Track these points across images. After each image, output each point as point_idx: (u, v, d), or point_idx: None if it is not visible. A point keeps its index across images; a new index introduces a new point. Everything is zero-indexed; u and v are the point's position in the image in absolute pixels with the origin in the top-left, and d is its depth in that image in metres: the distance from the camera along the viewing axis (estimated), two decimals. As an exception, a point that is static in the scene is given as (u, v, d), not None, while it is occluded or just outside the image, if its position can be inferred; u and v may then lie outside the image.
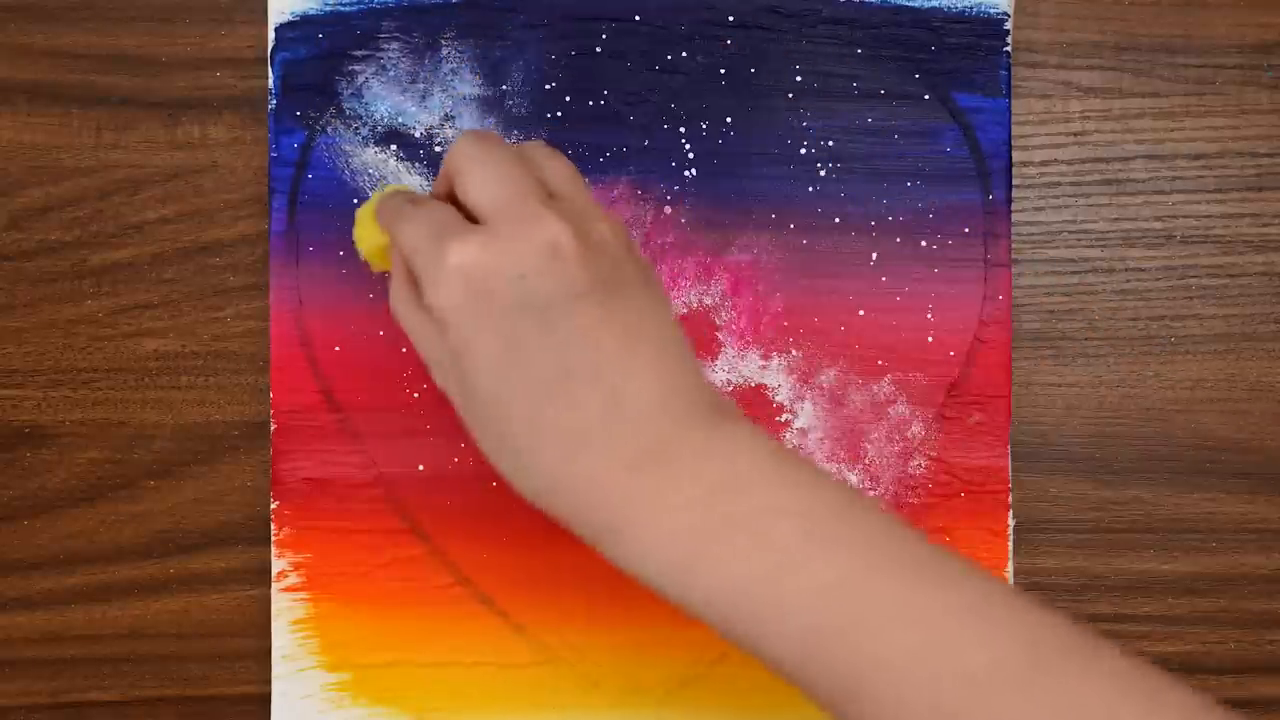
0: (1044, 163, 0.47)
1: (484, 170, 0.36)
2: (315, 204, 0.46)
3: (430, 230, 0.36)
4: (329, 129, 0.46)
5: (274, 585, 0.45)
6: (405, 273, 0.38)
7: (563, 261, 0.35)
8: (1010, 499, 0.46)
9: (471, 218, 0.36)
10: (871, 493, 0.46)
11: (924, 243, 0.46)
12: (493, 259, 0.35)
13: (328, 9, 0.46)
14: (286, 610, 0.45)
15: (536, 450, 0.35)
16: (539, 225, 0.35)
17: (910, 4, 0.46)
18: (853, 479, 0.46)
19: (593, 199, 0.38)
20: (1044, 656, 0.32)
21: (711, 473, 0.34)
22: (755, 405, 0.46)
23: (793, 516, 0.34)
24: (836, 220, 0.46)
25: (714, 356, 0.46)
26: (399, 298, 0.38)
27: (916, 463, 0.46)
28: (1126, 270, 0.47)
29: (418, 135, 0.46)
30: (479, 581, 0.46)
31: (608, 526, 0.35)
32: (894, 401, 0.46)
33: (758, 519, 0.34)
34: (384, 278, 0.45)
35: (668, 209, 0.46)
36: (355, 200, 0.46)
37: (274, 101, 0.46)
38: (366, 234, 0.40)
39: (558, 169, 0.38)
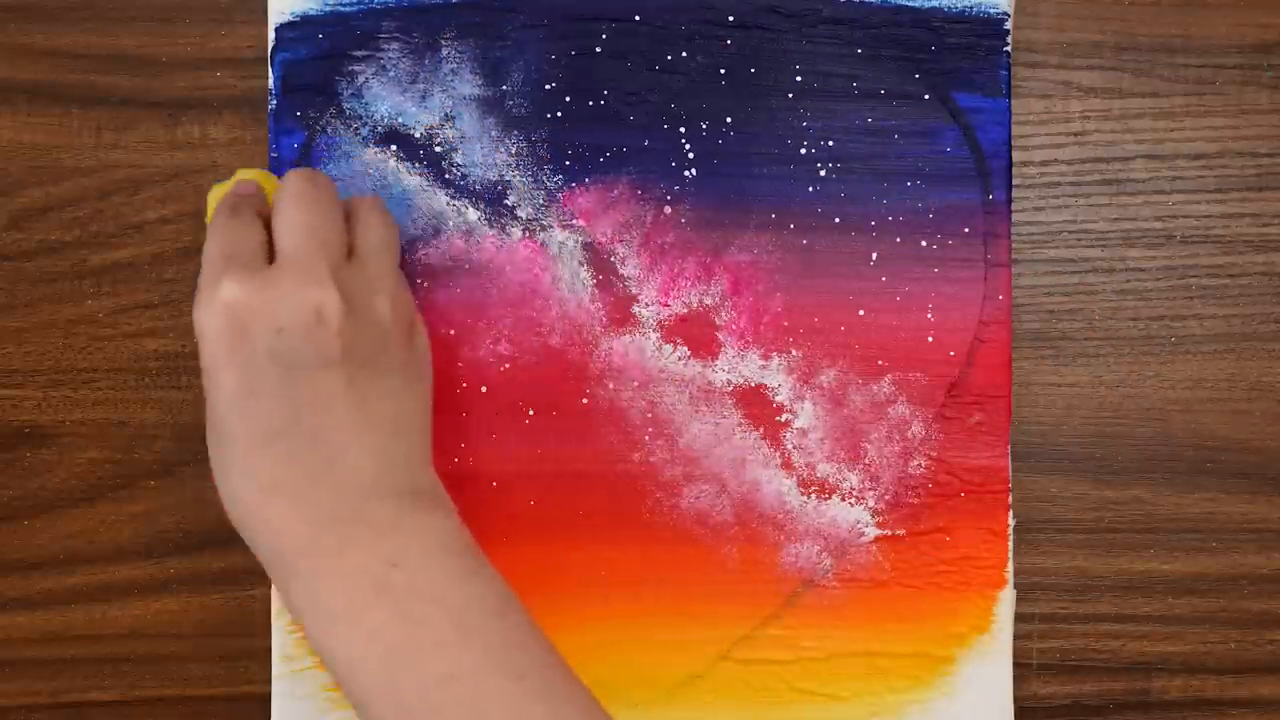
0: (1044, 163, 0.47)
1: (295, 213, 0.38)
2: (315, 204, 0.46)
3: (225, 251, 0.38)
4: (329, 129, 0.46)
5: (274, 585, 0.45)
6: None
7: (323, 330, 0.37)
8: (1010, 499, 0.46)
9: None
10: (871, 493, 0.46)
11: (924, 243, 0.46)
12: (258, 306, 0.37)
13: (328, 9, 0.46)
14: (286, 610, 0.45)
15: (243, 483, 0.37)
16: (313, 288, 0.37)
17: (910, 4, 0.46)
18: (853, 479, 0.46)
19: (394, 269, 0.40)
20: None
21: (386, 548, 0.37)
22: (755, 405, 0.46)
23: (442, 604, 0.37)
24: (836, 220, 0.46)
25: (714, 356, 0.46)
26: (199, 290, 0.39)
27: (916, 463, 0.46)
28: (1126, 270, 0.47)
29: (418, 135, 0.46)
30: (479, 581, 0.46)
31: (286, 569, 0.37)
32: (894, 401, 0.46)
33: (409, 600, 0.37)
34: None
35: (668, 209, 0.46)
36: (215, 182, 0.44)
37: (274, 101, 0.46)
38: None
39: (374, 233, 0.40)
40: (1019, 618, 0.46)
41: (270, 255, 0.39)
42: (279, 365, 0.37)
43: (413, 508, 0.38)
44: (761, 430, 0.46)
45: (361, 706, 0.37)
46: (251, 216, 0.40)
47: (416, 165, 0.46)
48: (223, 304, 0.37)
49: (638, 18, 0.46)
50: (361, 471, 0.38)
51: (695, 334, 0.46)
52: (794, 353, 0.46)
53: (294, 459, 0.37)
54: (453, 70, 0.46)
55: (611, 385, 0.46)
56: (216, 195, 0.42)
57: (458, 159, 0.46)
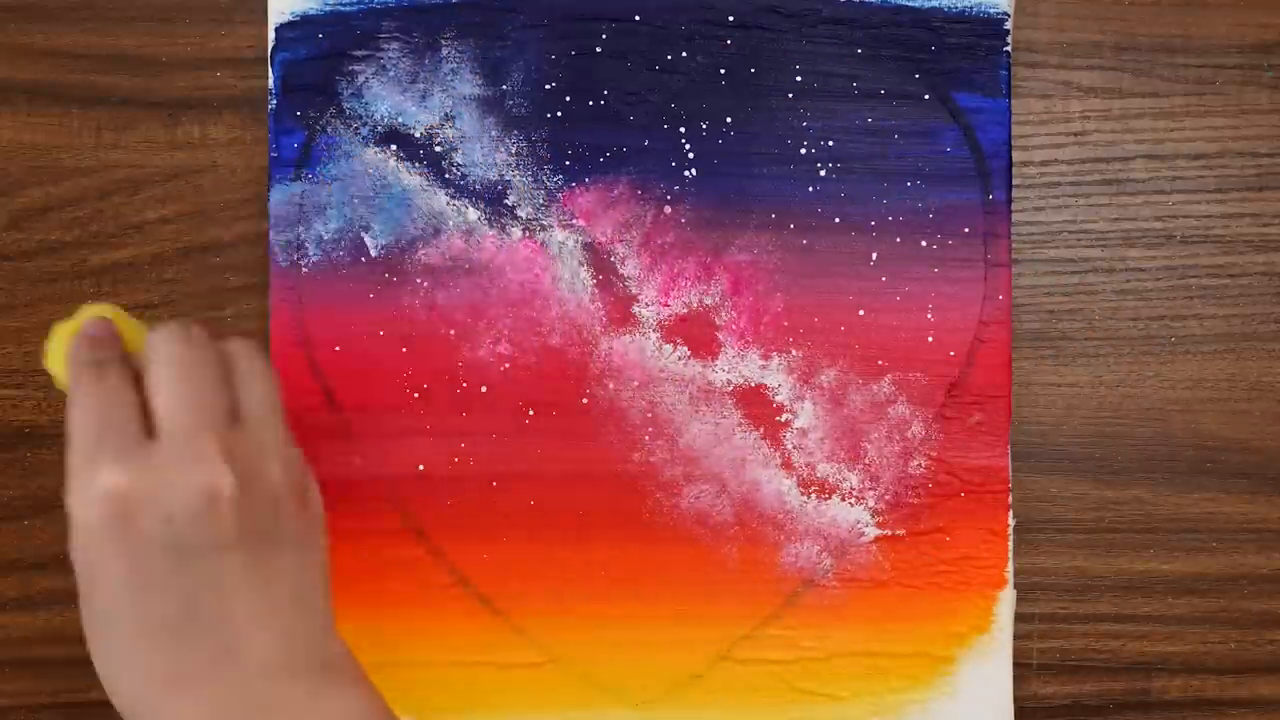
0: (1044, 163, 0.47)
1: (173, 381, 0.36)
2: (315, 204, 0.46)
3: (97, 428, 0.35)
4: (329, 129, 0.46)
5: None
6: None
7: (216, 512, 0.34)
8: (1010, 499, 0.46)
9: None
10: (871, 493, 0.46)
11: (924, 243, 0.46)
12: (144, 493, 0.34)
13: (328, 9, 0.46)
14: None
15: (135, 677, 0.35)
16: (203, 468, 0.34)
17: (910, 4, 0.46)
18: (853, 479, 0.46)
19: (281, 426, 0.37)
20: None
21: None
22: (755, 405, 0.46)
23: None
24: (836, 220, 0.46)
25: (714, 356, 0.46)
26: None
27: (916, 463, 0.46)
28: (1126, 270, 0.47)
29: (418, 135, 0.46)
30: (479, 581, 0.46)
31: None
32: (894, 401, 0.46)
33: None
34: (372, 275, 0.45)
35: (668, 209, 0.46)
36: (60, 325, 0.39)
37: (274, 101, 0.46)
38: (60, 367, 0.38)
39: (256, 387, 0.37)
40: (1019, 618, 0.46)
41: (145, 419, 0.36)
42: (168, 554, 0.34)
43: (324, 685, 0.36)
44: (761, 430, 0.46)
45: None
46: (119, 378, 0.36)
47: (416, 165, 0.46)
48: (103, 492, 0.34)
49: (638, 18, 0.46)
50: (267, 657, 0.35)
51: (695, 334, 0.46)
52: (794, 353, 0.46)
53: (193, 649, 0.34)
54: (453, 70, 0.46)
55: (611, 385, 0.46)
56: (61, 336, 0.38)
57: (458, 159, 0.46)
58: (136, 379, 0.37)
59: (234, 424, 0.36)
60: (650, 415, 0.46)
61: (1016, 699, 0.46)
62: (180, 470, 0.34)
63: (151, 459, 0.35)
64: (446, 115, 0.46)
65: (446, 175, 0.46)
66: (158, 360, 0.36)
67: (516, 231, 0.46)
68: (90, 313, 0.38)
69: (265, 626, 0.35)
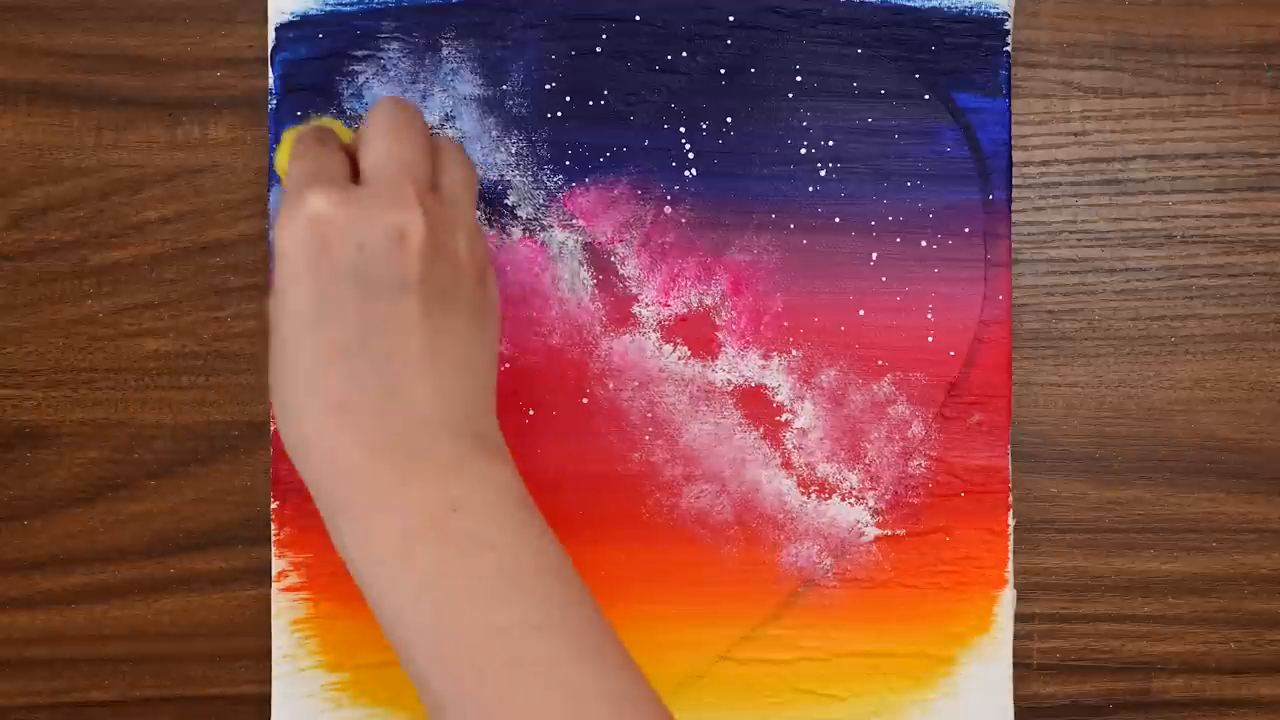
0: (1044, 163, 0.47)
1: (384, 139, 0.38)
2: (315, 204, 0.46)
3: (310, 171, 0.37)
4: (329, 129, 0.46)
5: (274, 585, 0.45)
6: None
7: (405, 251, 0.36)
8: (1010, 499, 0.46)
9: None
10: (871, 493, 0.46)
11: (924, 243, 0.46)
12: (342, 219, 0.36)
13: (328, 9, 0.46)
14: (286, 610, 0.45)
15: (306, 404, 0.36)
16: (398, 208, 0.36)
17: (910, 4, 0.46)
18: (853, 479, 0.46)
19: (474, 212, 0.39)
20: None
21: (448, 490, 0.36)
22: (755, 405, 0.46)
23: (499, 554, 0.36)
24: (836, 220, 0.46)
25: (714, 356, 0.46)
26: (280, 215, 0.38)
27: (916, 463, 0.46)
28: (1126, 270, 0.47)
29: (418, 135, 0.46)
30: (479, 581, 0.46)
31: (340, 503, 0.36)
32: (894, 401, 0.46)
33: (466, 547, 0.36)
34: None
35: (668, 209, 0.46)
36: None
37: (274, 101, 0.46)
38: (285, 160, 0.41)
39: (457, 172, 0.39)
40: (1019, 618, 0.46)
41: (355, 175, 0.38)
42: (355, 284, 0.36)
43: (474, 452, 0.37)
44: (761, 430, 0.46)
45: (404, 647, 0.36)
46: (337, 144, 0.39)
47: (416, 165, 0.46)
48: (308, 217, 0.36)
49: (638, 18, 0.46)
50: (426, 406, 0.36)
51: (695, 334, 0.46)
52: (794, 353, 0.46)
53: (359, 381, 0.36)
54: (453, 70, 0.46)
55: (611, 385, 0.46)
56: (290, 137, 0.42)
57: (458, 159, 0.46)
58: (351, 154, 0.39)
59: (433, 190, 0.38)
60: (650, 415, 0.46)
61: (1016, 699, 0.46)
62: (378, 206, 0.36)
63: (355, 195, 0.37)
64: (447, 115, 0.46)
65: (446, 175, 0.46)
66: (374, 122, 0.38)
67: (516, 231, 0.46)
68: (317, 121, 0.43)
69: (426, 378, 0.37)
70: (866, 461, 0.46)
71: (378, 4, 0.46)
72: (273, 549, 0.45)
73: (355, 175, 0.38)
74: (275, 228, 0.37)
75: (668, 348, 0.46)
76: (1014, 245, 0.47)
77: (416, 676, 0.36)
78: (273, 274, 0.37)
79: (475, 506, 0.36)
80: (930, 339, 0.46)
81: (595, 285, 0.46)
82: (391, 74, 0.46)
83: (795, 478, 0.46)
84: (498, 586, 0.35)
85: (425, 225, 0.36)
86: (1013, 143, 0.46)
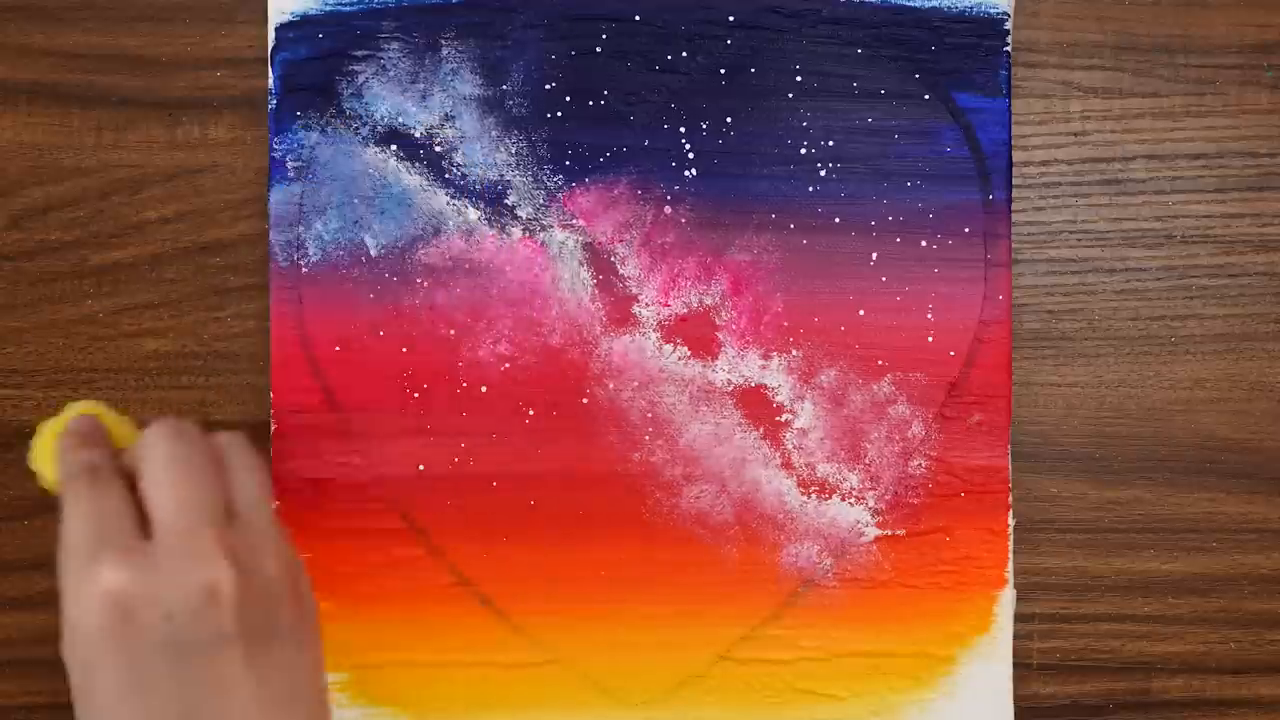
0: (1044, 163, 0.47)
1: (170, 480, 0.36)
2: (315, 204, 0.46)
3: (93, 531, 0.35)
4: (329, 129, 0.46)
5: None
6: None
7: (217, 608, 0.35)
8: (1010, 499, 0.46)
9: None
10: (871, 493, 0.46)
11: (924, 243, 0.46)
12: (144, 592, 0.34)
13: (328, 9, 0.46)
14: None
15: None
16: (203, 565, 0.35)
17: (910, 4, 0.46)
18: (853, 479, 0.46)
19: (274, 521, 0.38)
20: None
21: None
22: (755, 405, 0.46)
23: None
24: (836, 220, 0.46)
25: (714, 356, 0.46)
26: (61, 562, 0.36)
27: (916, 463, 0.46)
28: (1126, 270, 0.47)
29: (418, 135, 0.46)
30: (479, 581, 0.46)
31: None
32: (894, 401, 0.46)
33: None
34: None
35: (668, 209, 0.46)
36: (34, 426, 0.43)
37: (274, 101, 0.46)
38: (46, 465, 0.39)
39: (247, 483, 0.38)
40: (1019, 618, 0.46)
41: (140, 517, 0.36)
42: (168, 652, 0.34)
43: None
44: (761, 430, 0.46)
45: None
46: (112, 481, 0.36)
47: (417, 165, 0.46)
48: (103, 593, 0.34)
49: (638, 18, 0.46)
50: None
51: (695, 334, 0.46)
52: (794, 353, 0.46)
53: None
54: (453, 70, 0.46)
55: (611, 385, 0.46)
56: (48, 435, 0.39)
57: (458, 159, 0.46)
58: (127, 476, 0.37)
59: (229, 520, 0.36)
60: (650, 415, 0.46)
61: (1016, 699, 0.46)
62: (180, 568, 0.35)
63: (150, 558, 0.35)
64: (447, 115, 0.46)
65: (447, 175, 0.46)
66: (152, 459, 0.36)
67: (516, 231, 0.46)
68: (76, 410, 0.40)
69: (277, 710, 0.35)
70: (866, 461, 0.46)
71: (378, 4, 0.46)
72: (273, 549, 0.45)
73: (140, 514, 0.36)
74: (65, 597, 0.35)
75: (668, 348, 0.46)
76: (1014, 245, 0.47)
77: None
78: (68, 642, 0.35)
79: None
80: (930, 339, 0.46)
81: (595, 285, 0.46)
82: (391, 74, 0.46)
83: (795, 478, 0.46)
84: None
85: (234, 575, 0.35)
86: (1013, 143, 0.46)
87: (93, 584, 0.34)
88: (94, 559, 0.34)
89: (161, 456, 0.36)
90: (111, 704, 0.34)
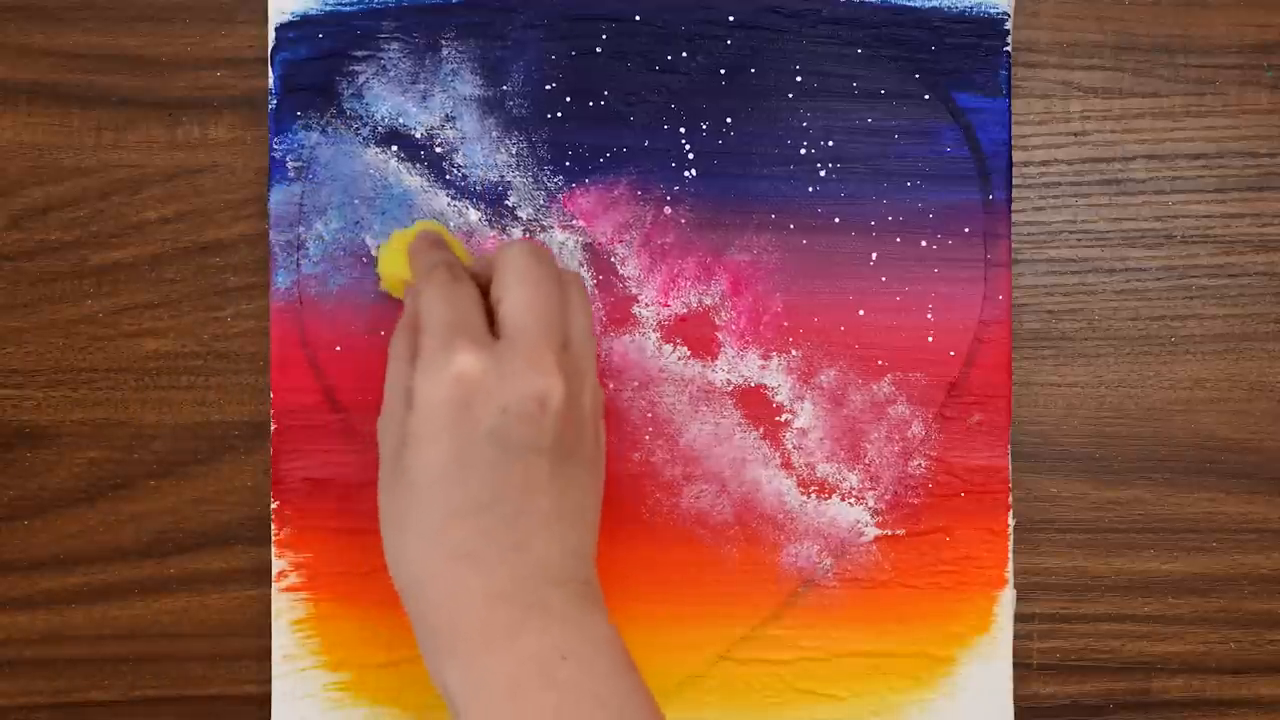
0: (1044, 163, 0.47)
1: (524, 292, 0.38)
2: (315, 204, 0.46)
3: (451, 321, 0.38)
4: (329, 129, 0.46)
5: (274, 585, 0.45)
6: (411, 329, 0.39)
7: (543, 417, 0.37)
8: (1010, 499, 0.46)
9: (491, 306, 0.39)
10: (871, 493, 0.46)
11: (924, 243, 0.46)
12: (487, 385, 0.37)
13: (328, 9, 0.46)
14: (286, 610, 0.45)
15: (429, 553, 0.37)
16: (541, 374, 0.37)
17: (910, 4, 0.46)
18: (853, 479, 0.46)
19: (595, 358, 0.40)
20: None
21: (559, 639, 0.36)
22: (755, 405, 0.46)
23: (608, 710, 0.36)
24: (836, 220, 0.46)
25: (714, 356, 0.46)
26: (400, 342, 0.39)
27: (916, 463, 0.46)
28: (1126, 270, 0.47)
29: (418, 135, 0.46)
30: (479, 581, 0.46)
31: (451, 644, 0.37)
32: (894, 401, 0.46)
33: (574, 696, 0.36)
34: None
35: (668, 209, 0.46)
36: (372, 239, 0.45)
37: (274, 101, 0.46)
38: (395, 267, 0.44)
39: (583, 321, 0.40)
40: (1019, 618, 0.46)
41: (489, 320, 0.39)
42: (493, 444, 0.37)
43: (584, 604, 0.38)
44: (761, 430, 0.46)
45: None
46: (468, 279, 0.39)
47: (417, 166, 0.46)
48: (454, 375, 0.37)
49: (638, 18, 0.46)
50: (547, 558, 0.37)
51: (695, 334, 0.46)
52: (794, 353, 0.46)
53: (489, 535, 0.37)
54: (453, 70, 0.46)
55: (611, 385, 0.46)
56: (398, 240, 0.44)
57: (458, 159, 0.46)
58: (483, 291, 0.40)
59: (565, 347, 0.39)
60: (650, 415, 0.46)
61: (1016, 699, 0.46)
62: (521, 372, 0.37)
63: (497, 356, 0.37)
64: (447, 116, 0.46)
65: (447, 176, 0.46)
66: (509, 269, 0.39)
67: (517, 232, 0.46)
68: (425, 226, 0.45)
69: (551, 532, 0.38)
70: (866, 461, 0.46)
71: (378, 4, 0.46)
72: (273, 549, 0.45)
73: (490, 318, 0.39)
74: (417, 372, 0.37)
75: (668, 348, 0.46)
76: (1014, 245, 0.47)
77: None
78: (386, 392, 0.38)
79: (585, 658, 0.37)
80: (930, 339, 0.46)
81: (595, 285, 0.46)
82: (391, 74, 0.46)
83: (795, 478, 0.46)
84: None
85: (564, 392, 0.37)
86: (1013, 143, 0.46)
87: (446, 366, 0.37)
88: (449, 344, 0.37)
89: (519, 269, 0.39)
90: (433, 478, 0.37)
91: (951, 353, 0.46)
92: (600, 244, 0.46)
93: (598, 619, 0.38)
